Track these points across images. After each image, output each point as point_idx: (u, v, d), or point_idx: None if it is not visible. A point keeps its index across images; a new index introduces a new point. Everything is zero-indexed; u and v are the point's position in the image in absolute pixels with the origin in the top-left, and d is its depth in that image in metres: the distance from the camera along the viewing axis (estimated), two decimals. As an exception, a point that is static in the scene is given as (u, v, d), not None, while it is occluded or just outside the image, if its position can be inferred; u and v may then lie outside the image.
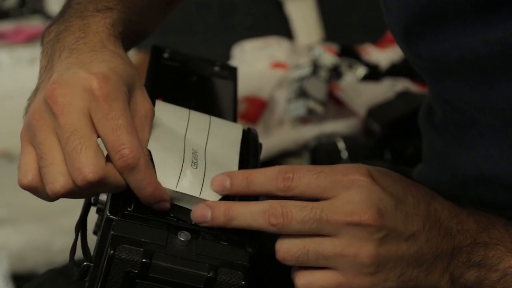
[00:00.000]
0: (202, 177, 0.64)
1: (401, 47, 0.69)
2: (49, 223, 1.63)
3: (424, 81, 1.43)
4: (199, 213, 0.61)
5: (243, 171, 0.63)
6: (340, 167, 0.62)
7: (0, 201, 1.65)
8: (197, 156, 0.66)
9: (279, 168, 0.62)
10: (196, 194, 0.63)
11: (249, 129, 0.73)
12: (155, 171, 0.63)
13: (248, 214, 0.61)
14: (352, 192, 0.60)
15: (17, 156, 1.71)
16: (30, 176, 0.61)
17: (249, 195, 0.62)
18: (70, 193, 0.60)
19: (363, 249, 0.60)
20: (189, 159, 0.65)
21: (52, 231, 1.63)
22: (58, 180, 0.60)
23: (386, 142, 1.28)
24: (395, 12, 0.66)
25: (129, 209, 0.62)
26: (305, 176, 0.61)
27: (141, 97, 0.64)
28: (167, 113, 0.69)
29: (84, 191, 0.60)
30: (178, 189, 0.63)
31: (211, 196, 0.63)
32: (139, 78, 0.66)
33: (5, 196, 1.65)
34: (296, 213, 0.60)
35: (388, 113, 1.30)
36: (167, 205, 0.62)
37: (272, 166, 0.63)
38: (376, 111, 1.32)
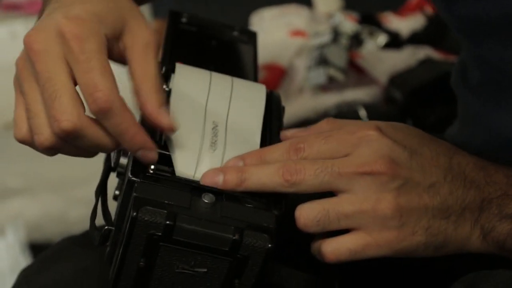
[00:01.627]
0: (221, 161, 0.63)
1: (438, 7, 0.67)
2: (66, 193, 1.63)
3: (446, 49, 1.41)
4: (209, 179, 0.60)
5: (255, 151, 0.62)
6: (348, 126, 0.61)
7: (16, 171, 1.64)
8: (218, 130, 0.64)
9: (289, 141, 0.62)
10: None
11: (271, 92, 0.71)
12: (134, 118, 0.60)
13: (261, 173, 0.60)
14: (362, 147, 0.59)
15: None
16: (24, 130, 0.59)
17: None
18: (56, 146, 0.58)
19: (382, 200, 0.58)
20: (208, 138, 0.63)
21: (69, 202, 1.62)
22: (42, 131, 0.58)
23: (408, 110, 1.26)
24: None
25: (151, 171, 0.61)
26: (315, 143, 0.61)
27: (138, 28, 0.61)
28: (187, 77, 0.67)
29: (66, 143, 0.58)
30: (196, 178, 0.61)
31: None
32: (138, 14, 0.62)
33: (21, 166, 1.64)
34: (309, 167, 0.59)
35: (410, 80, 1.28)
36: (153, 154, 0.59)
37: (282, 142, 0.63)
38: (397, 79, 1.30)
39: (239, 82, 0.70)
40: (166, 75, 0.68)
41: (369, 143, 0.59)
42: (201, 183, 0.60)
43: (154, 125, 0.60)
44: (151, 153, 0.60)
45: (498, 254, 0.61)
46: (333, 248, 0.60)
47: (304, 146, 0.61)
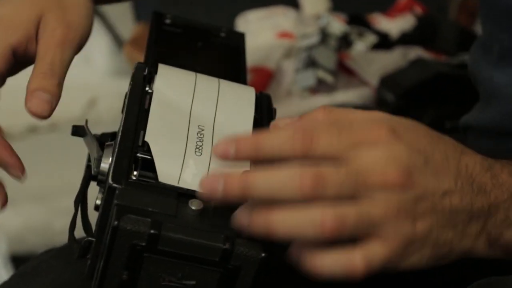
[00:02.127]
0: (207, 166, 0.59)
1: None
2: (49, 203, 1.60)
3: (437, 49, 1.38)
4: (208, 186, 0.53)
5: (250, 137, 0.56)
6: (361, 121, 0.56)
7: (-3, 181, 1.60)
8: (203, 134, 0.60)
9: (294, 127, 0.55)
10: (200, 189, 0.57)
11: (261, 93, 0.68)
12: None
13: (272, 178, 0.53)
14: (378, 151, 0.55)
15: (15, 135, 1.68)
16: None
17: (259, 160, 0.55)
18: None
19: (401, 211, 0.54)
20: (193, 142, 0.60)
21: (52, 212, 1.60)
22: None
23: (400, 112, 1.23)
24: None
25: (133, 177, 0.57)
26: (326, 136, 0.54)
27: (50, 21, 0.65)
28: (171, 79, 0.64)
29: None
30: (180, 185, 0.57)
31: None
32: (55, 7, 0.65)
33: (2, 177, 1.61)
34: (332, 175, 0.53)
35: (401, 82, 1.25)
36: (17, 173, 0.63)
37: (284, 126, 0.56)
38: (389, 80, 1.26)
39: (226, 84, 0.66)
40: (149, 77, 0.65)
41: (384, 147, 0.54)
42: (198, 194, 0.55)
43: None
44: (16, 172, 0.64)
45: (504, 259, 0.59)
46: (365, 257, 0.53)
47: (312, 136, 0.54)
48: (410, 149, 0.55)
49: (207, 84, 0.65)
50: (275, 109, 0.67)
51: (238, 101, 0.65)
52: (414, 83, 1.23)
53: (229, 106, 0.64)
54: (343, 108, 0.58)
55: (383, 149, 0.55)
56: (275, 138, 0.54)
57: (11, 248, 1.50)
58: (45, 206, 1.60)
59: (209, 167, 0.58)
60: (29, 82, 0.64)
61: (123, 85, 0.65)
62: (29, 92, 0.63)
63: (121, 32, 1.87)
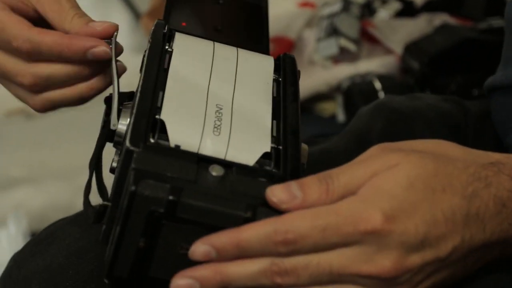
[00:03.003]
0: (226, 145, 0.56)
1: None
2: (71, 182, 1.59)
3: (462, 15, 1.34)
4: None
5: (229, 235, 0.52)
6: (348, 210, 0.52)
7: (19, 159, 1.60)
8: (222, 113, 0.58)
9: (274, 227, 0.52)
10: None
11: (285, 54, 0.65)
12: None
13: (246, 277, 0.52)
14: (365, 246, 0.52)
15: (35, 114, 1.66)
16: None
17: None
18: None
19: None
20: (211, 121, 0.57)
21: (74, 191, 1.59)
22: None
23: (426, 79, 1.20)
24: None
25: (152, 140, 0.55)
26: (309, 236, 0.51)
27: None
28: (188, 52, 0.61)
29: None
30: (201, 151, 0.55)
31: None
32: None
33: (25, 155, 1.60)
34: (303, 268, 0.51)
35: (427, 49, 1.21)
36: (102, 48, 0.60)
37: (261, 222, 0.52)
38: (413, 48, 1.23)
39: (245, 56, 0.64)
40: (169, 35, 0.63)
41: (373, 241, 0.52)
42: None
43: (99, 37, 0.61)
44: (99, 48, 0.60)
45: None
46: None
47: (295, 238, 0.51)
48: (404, 234, 0.51)
49: (226, 58, 0.63)
50: (299, 71, 0.65)
51: (257, 76, 0.62)
52: (440, 50, 1.19)
53: (248, 82, 0.61)
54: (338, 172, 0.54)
55: (372, 244, 0.51)
56: (255, 241, 0.52)
57: (33, 227, 1.49)
58: (68, 184, 1.59)
59: (228, 146, 0.56)
60: (73, 26, 0.62)
61: (142, 62, 0.63)
62: (88, 28, 0.62)
63: (139, 7, 1.85)
